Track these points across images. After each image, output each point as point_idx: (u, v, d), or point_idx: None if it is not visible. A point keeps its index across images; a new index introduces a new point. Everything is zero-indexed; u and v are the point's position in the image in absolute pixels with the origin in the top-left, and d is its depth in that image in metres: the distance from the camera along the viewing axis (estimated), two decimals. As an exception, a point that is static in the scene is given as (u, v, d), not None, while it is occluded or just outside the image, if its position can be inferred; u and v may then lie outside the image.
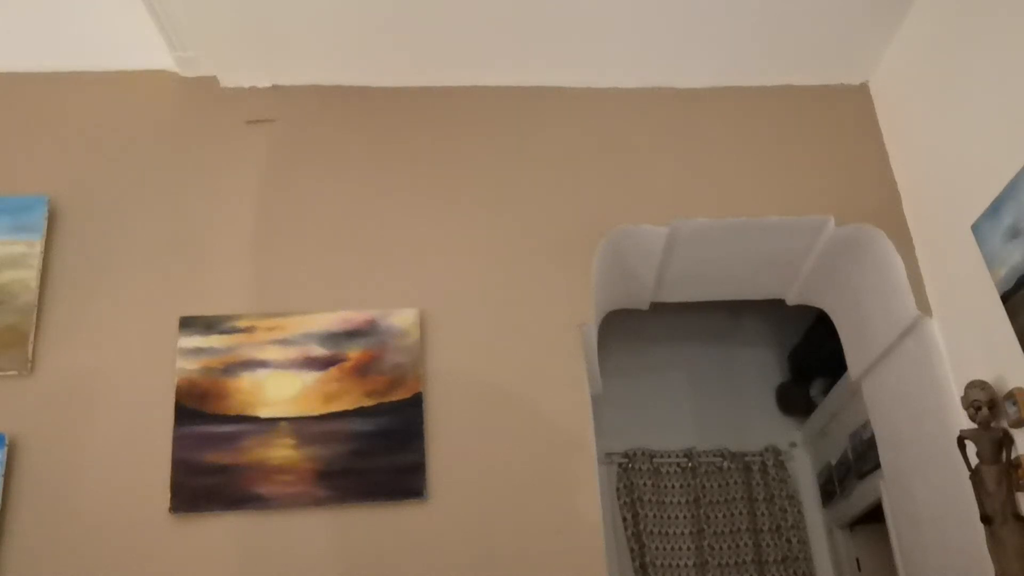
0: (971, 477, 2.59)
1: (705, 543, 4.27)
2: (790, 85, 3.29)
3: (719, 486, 4.43)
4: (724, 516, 4.37)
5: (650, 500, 4.34)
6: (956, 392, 2.75)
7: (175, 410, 2.64)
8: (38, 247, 2.80)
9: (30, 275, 2.77)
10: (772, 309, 4.12)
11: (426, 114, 3.17)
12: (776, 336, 4.80)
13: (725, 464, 4.46)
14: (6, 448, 2.54)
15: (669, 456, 4.46)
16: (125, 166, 3.01)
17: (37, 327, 2.73)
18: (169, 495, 2.55)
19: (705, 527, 4.31)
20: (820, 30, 3.08)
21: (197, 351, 2.72)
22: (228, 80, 3.15)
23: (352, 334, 2.78)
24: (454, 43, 3.06)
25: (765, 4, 2.96)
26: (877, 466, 3.54)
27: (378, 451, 2.64)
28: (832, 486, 4.26)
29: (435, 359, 2.79)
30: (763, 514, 4.37)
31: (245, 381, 2.70)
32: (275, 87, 3.18)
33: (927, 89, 3.00)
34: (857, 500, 3.98)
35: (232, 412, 2.66)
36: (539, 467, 2.68)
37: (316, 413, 2.68)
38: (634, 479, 4.38)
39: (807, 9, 2.99)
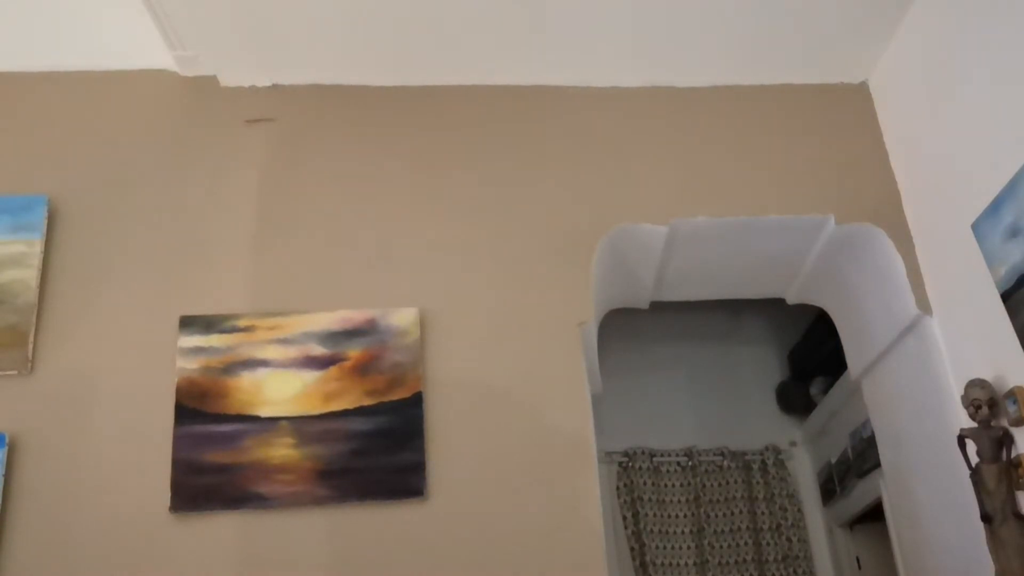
0: (971, 476, 2.60)
1: (705, 542, 4.27)
2: (790, 84, 3.29)
3: (719, 485, 4.43)
4: (724, 515, 4.37)
5: (650, 499, 4.34)
6: (956, 391, 2.75)
7: (175, 409, 2.65)
8: (38, 247, 2.80)
9: (30, 275, 2.77)
10: (772, 308, 4.13)
11: (426, 114, 3.17)
12: (776, 335, 4.80)
13: (725, 463, 4.46)
14: (6, 448, 2.54)
15: (669, 455, 4.46)
16: (125, 166, 3.01)
17: (37, 327, 2.73)
18: (169, 494, 2.55)
19: (705, 526, 4.31)
20: (820, 29, 3.08)
21: (197, 350, 2.72)
22: (228, 79, 3.16)
23: (352, 333, 2.78)
24: (454, 43, 3.06)
25: (765, 3, 2.96)
26: (877, 465, 3.54)
27: (378, 450, 2.64)
28: (832, 485, 4.26)
29: (435, 358, 2.79)
30: (763, 513, 4.37)
31: (245, 380, 2.70)
32: (275, 86, 3.18)
33: (927, 88, 3.00)
34: (857, 499, 3.98)
35: (232, 411, 2.66)
36: (539, 466, 2.68)
37: (316, 412, 2.68)
38: (634, 478, 4.38)
39: (807, 8, 2.99)
